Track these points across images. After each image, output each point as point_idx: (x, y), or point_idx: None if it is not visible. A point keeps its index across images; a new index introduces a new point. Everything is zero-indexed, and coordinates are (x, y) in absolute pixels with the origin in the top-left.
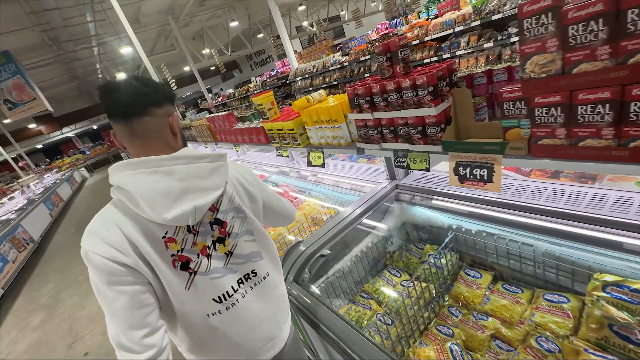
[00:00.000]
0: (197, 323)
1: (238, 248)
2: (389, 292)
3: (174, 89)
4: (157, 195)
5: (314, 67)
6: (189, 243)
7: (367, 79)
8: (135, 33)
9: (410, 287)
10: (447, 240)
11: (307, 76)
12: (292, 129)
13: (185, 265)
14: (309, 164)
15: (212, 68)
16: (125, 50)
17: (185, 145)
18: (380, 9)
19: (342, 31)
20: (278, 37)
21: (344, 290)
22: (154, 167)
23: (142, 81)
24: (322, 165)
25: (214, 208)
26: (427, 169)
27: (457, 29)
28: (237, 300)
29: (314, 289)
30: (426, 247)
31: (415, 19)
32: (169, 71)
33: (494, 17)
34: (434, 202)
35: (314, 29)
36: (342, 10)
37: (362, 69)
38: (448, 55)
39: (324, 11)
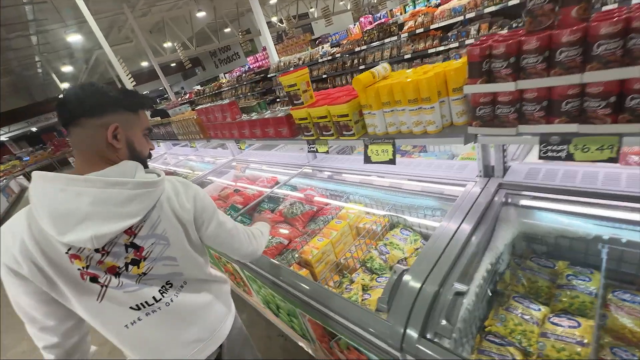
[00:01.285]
0: (116, 332)
1: (154, 270)
2: (532, 331)
3: (132, 85)
4: (59, 214)
5: (299, 59)
6: (95, 262)
7: (496, 34)
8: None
9: (574, 327)
10: (603, 256)
11: (291, 69)
12: (346, 115)
13: (94, 279)
14: (367, 160)
15: (173, 65)
16: (73, 39)
17: (139, 158)
18: (348, 7)
19: (310, 29)
20: (247, 31)
21: (462, 333)
22: (64, 185)
23: (79, 89)
24: (392, 162)
25: (132, 232)
26: (614, 159)
27: (467, 16)
28: (159, 307)
29: (447, 344)
30: (559, 265)
31: (401, 13)
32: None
33: (510, 3)
34: (568, 205)
35: (284, 25)
36: (312, 8)
37: (355, 61)
38: (456, 45)
39: (294, 8)
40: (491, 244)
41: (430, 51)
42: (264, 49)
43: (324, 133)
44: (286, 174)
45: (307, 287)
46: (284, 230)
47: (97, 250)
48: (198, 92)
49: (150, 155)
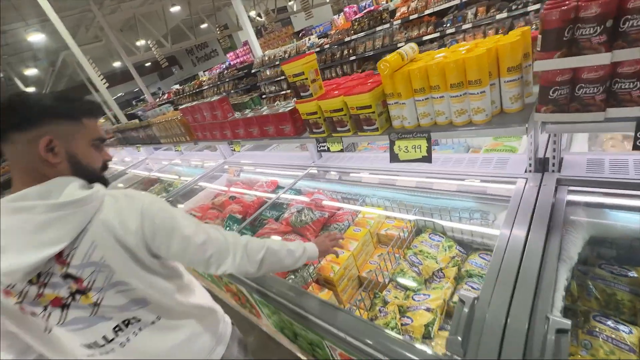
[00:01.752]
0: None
1: (107, 300)
2: None
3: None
4: None
5: (285, 52)
6: (31, 296)
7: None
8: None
9: None
10: None
11: (277, 63)
12: (368, 107)
13: (33, 314)
14: (395, 159)
15: (148, 64)
16: (36, 39)
17: (88, 172)
18: (327, 0)
19: (290, 22)
20: (225, 27)
21: None
22: None
23: (5, 101)
24: (426, 159)
25: (64, 262)
26: None
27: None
28: (112, 349)
29: None
30: (639, 273)
31: (387, 1)
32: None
33: None
34: None
35: (263, 19)
36: (290, 1)
37: (345, 52)
38: (452, 30)
39: (272, 1)
40: (563, 254)
41: (425, 38)
42: (245, 43)
43: (339, 129)
44: (289, 176)
45: (339, 319)
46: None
47: (31, 282)
48: (177, 92)
49: (105, 167)
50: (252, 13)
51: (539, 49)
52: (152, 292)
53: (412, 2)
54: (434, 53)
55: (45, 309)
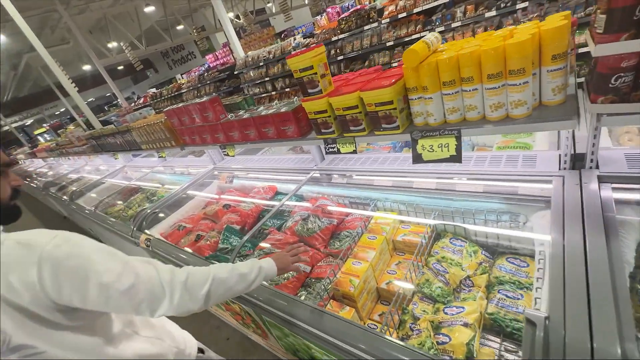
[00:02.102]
0: None
1: None
2: None
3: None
4: None
5: (269, 52)
6: None
7: None
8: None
9: None
10: None
11: (261, 64)
12: (390, 103)
13: None
14: (418, 159)
15: (121, 68)
16: None
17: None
18: (306, 2)
19: (268, 24)
20: (202, 28)
21: None
22: None
23: None
24: (455, 159)
25: None
26: None
27: None
28: None
29: None
30: None
31: (370, 1)
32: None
33: None
34: None
35: (241, 21)
36: (269, 3)
37: (332, 52)
38: (442, 29)
39: (250, 3)
40: (621, 258)
41: (414, 37)
42: (225, 45)
43: (352, 128)
44: (289, 181)
45: (373, 344)
46: (302, 256)
47: None
48: (154, 96)
49: (15, 195)
50: (231, 15)
51: (600, 31)
52: (70, 353)
53: (401, 0)
54: (459, 43)
55: None
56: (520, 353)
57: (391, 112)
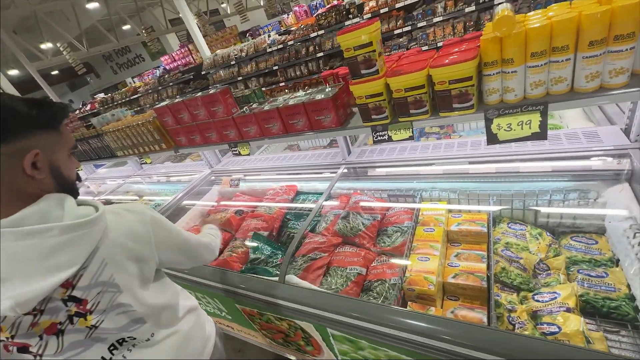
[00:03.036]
0: None
1: (106, 323)
2: None
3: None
4: None
5: (241, 51)
6: (25, 326)
7: None
8: None
9: None
10: None
11: (232, 63)
12: (468, 79)
13: (23, 349)
14: (493, 140)
15: (55, 73)
16: None
17: (67, 185)
18: (261, 4)
19: (222, 26)
20: (151, 29)
21: None
22: None
23: None
24: (539, 136)
25: (69, 284)
26: None
27: None
28: None
29: None
30: None
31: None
32: None
33: None
34: None
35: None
36: (223, 4)
37: (311, 49)
38: (424, 24)
39: (203, 3)
40: None
41: (397, 32)
42: (182, 45)
43: (412, 111)
44: (316, 179)
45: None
46: (354, 257)
47: (26, 313)
48: (104, 101)
49: (79, 177)
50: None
51: None
52: (149, 310)
53: None
54: (533, 14)
55: (41, 338)
56: (622, 332)
57: (468, 90)
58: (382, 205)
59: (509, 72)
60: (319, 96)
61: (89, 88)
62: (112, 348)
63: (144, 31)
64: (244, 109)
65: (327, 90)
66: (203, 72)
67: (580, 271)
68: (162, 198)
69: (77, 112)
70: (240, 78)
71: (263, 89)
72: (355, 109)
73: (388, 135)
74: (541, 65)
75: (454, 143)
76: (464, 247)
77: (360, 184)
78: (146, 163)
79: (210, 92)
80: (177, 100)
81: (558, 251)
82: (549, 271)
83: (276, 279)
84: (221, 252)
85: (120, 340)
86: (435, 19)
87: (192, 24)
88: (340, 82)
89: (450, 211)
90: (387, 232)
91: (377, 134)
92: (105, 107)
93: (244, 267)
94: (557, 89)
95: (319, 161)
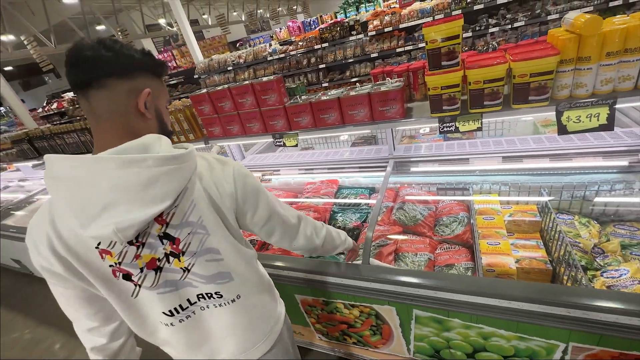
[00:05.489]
0: (151, 330)
1: (197, 267)
2: None
3: None
4: (78, 205)
5: (239, 57)
6: (130, 256)
7: None
8: None
9: None
10: None
11: (229, 68)
12: (549, 73)
13: (127, 277)
14: (563, 131)
15: (8, 68)
16: None
17: (165, 132)
18: (243, 19)
19: (202, 36)
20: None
21: None
22: (75, 168)
23: (104, 44)
24: (606, 127)
25: (163, 221)
26: None
27: (436, 17)
28: (193, 312)
29: None
30: None
31: (331, 18)
32: None
33: (475, 7)
34: None
35: (175, 29)
36: (204, 14)
37: (313, 60)
38: (424, 44)
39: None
40: None
41: (398, 50)
42: (165, 50)
43: (487, 103)
44: (357, 173)
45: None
46: (420, 244)
47: (130, 243)
48: (73, 100)
49: (172, 131)
50: (162, 21)
51: None
52: (237, 263)
53: (386, 16)
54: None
55: (141, 270)
56: None
57: (547, 83)
58: (433, 198)
59: (583, 69)
60: (384, 87)
61: (45, 89)
62: (200, 296)
63: (119, 33)
64: (295, 98)
65: (389, 83)
66: (195, 76)
67: (633, 253)
68: None
69: (40, 110)
70: (237, 83)
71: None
72: (411, 105)
73: (455, 126)
74: (614, 64)
75: (502, 141)
76: (518, 236)
77: (405, 178)
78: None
79: (267, 80)
80: (219, 88)
81: (608, 237)
82: (604, 254)
83: (358, 262)
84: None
85: (209, 294)
86: None
87: (187, 28)
88: (390, 79)
89: (501, 202)
90: (444, 222)
91: (445, 124)
92: (75, 107)
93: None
94: (624, 86)
95: (362, 156)
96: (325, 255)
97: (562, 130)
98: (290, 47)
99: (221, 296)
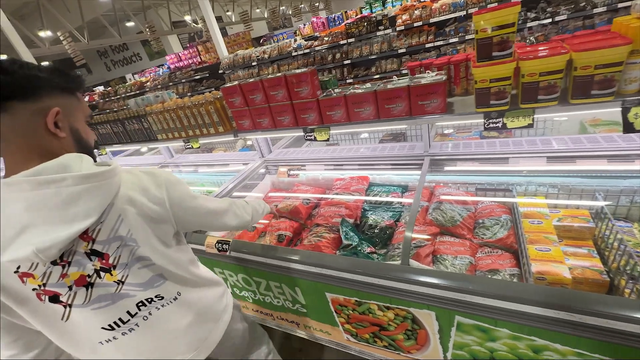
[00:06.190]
0: (89, 350)
1: (131, 278)
2: None
3: None
4: None
5: (264, 52)
6: (55, 276)
7: None
8: None
9: None
10: None
11: (254, 64)
12: (618, 64)
13: (54, 299)
14: (629, 129)
15: (46, 64)
16: None
17: (86, 149)
18: (265, 16)
19: (225, 33)
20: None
21: None
22: None
23: (2, 66)
24: None
25: (89, 238)
26: None
27: (470, 11)
28: (136, 324)
29: None
30: None
31: (357, 15)
32: None
33: None
34: None
35: (199, 26)
36: (228, 11)
37: (338, 55)
38: (455, 40)
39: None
40: None
41: (428, 46)
42: (191, 46)
43: (541, 97)
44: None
45: None
46: (460, 247)
47: (55, 263)
48: (105, 94)
49: (96, 146)
50: (187, 18)
51: None
52: (169, 266)
53: (416, 10)
54: None
55: (70, 288)
56: None
57: (614, 76)
58: (473, 199)
59: None
60: (428, 80)
61: None
62: (140, 304)
63: (147, 29)
64: (327, 92)
65: (428, 76)
66: (220, 71)
67: None
68: (207, 189)
69: None
70: (269, 76)
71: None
72: (451, 99)
73: (503, 122)
74: None
75: (550, 140)
76: (566, 242)
77: (441, 177)
78: (195, 147)
79: (301, 72)
80: (251, 80)
81: None
82: None
83: (397, 262)
84: (298, 235)
85: (149, 299)
86: (468, 37)
87: (213, 24)
88: (428, 72)
89: (548, 206)
90: (485, 224)
91: (491, 120)
92: (105, 100)
93: (341, 252)
94: None
95: (394, 153)
96: (254, 224)
97: (629, 128)
98: (316, 43)
99: (162, 297)
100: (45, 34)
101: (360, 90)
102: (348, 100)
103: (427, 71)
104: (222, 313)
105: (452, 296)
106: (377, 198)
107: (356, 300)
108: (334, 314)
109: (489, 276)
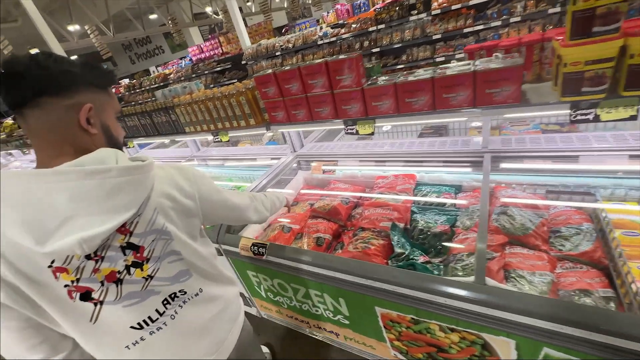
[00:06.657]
0: (115, 354)
1: (160, 272)
2: None
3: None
4: (33, 219)
5: (288, 41)
6: (88, 271)
7: None
8: None
9: None
10: None
11: (278, 54)
12: None
13: (85, 296)
14: None
15: (74, 57)
16: None
17: (115, 145)
18: (285, 5)
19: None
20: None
21: None
22: (30, 183)
23: (36, 61)
24: None
25: (127, 231)
26: None
27: None
28: (164, 323)
29: None
30: None
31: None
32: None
33: None
34: None
35: (220, 17)
36: (248, 2)
37: (366, 43)
38: (498, 23)
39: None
40: None
41: (466, 31)
42: (213, 37)
43: None
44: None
45: None
46: (537, 261)
47: (88, 257)
48: (129, 87)
49: (125, 143)
50: (208, 9)
51: None
52: (196, 260)
53: None
54: None
55: (102, 284)
56: None
57: None
58: (545, 203)
59: None
60: (494, 65)
61: None
62: (165, 302)
63: (170, 22)
64: (372, 80)
65: (496, 60)
66: (243, 62)
67: None
68: (234, 184)
69: None
70: (306, 63)
71: None
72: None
73: (595, 114)
74: None
75: (624, 135)
76: None
77: (502, 177)
78: (223, 140)
79: (344, 57)
80: (287, 67)
81: None
82: None
83: (469, 279)
84: (337, 238)
85: (173, 295)
86: (513, 19)
87: (236, 14)
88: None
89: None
90: (562, 233)
91: (579, 112)
92: (131, 92)
93: (393, 262)
94: None
95: (445, 149)
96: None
97: None
98: (342, 30)
99: (185, 293)
100: (73, 28)
101: (413, 78)
102: (398, 89)
103: (495, 54)
104: (238, 313)
105: (544, 326)
106: (428, 199)
107: (413, 318)
108: (383, 329)
109: (576, 298)
